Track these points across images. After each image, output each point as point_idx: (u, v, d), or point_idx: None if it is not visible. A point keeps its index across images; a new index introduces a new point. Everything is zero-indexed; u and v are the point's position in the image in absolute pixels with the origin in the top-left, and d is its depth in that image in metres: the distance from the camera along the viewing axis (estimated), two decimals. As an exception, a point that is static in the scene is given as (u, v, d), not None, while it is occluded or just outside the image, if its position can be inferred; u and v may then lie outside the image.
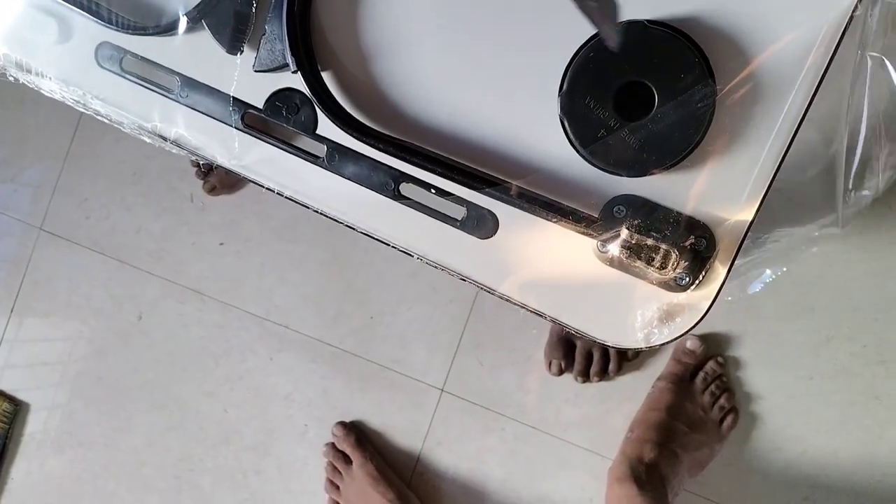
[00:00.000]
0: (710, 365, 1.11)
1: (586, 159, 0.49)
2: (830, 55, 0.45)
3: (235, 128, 0.55)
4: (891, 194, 0.79)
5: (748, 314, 1.11)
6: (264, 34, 0.52)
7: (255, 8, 0.52)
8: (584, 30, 0.48)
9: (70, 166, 1.34)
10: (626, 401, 1.15)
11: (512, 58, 0.51)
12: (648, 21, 0.46)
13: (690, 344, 1.11)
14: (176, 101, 0.56)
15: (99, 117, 0.59)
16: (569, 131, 0.48)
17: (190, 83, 0.56)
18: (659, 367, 1.14)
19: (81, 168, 1.34)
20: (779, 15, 0.46)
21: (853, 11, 0.44)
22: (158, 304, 1.33)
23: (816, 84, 0.45)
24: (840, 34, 0.44)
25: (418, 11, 0.52)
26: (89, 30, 0.58)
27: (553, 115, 0.49)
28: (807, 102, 0.46)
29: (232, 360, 1.31)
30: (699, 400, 1.09)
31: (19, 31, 0.59)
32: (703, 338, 1.12)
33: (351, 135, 0.51)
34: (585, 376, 1.15)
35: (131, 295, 1.34)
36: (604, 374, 1.15)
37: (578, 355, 1.15)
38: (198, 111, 0.56)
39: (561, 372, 1.16)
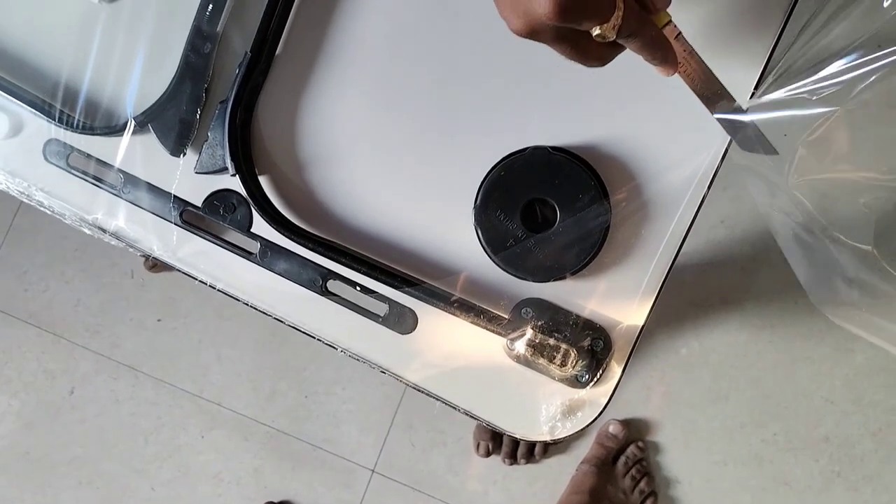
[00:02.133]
0: (632, 449, 1.15)
1: (498, 265, 0.54)
2: (707, 184, 0.51)
3: (174, 223, 0.59)
4: (796, 292, 0.86)
5: (667, 400, 1.17)
6: (207, 140, 0.57)
7: (200, 116, 0.57)
8: (496, 151, 0.53)
9: (11, 238, 1.35)
10: (552, 483, 1.19)
11: (434, 172, 0.56)
12: (552, 147, 0.52)
13: (613, 428, 1.15)
14: (118, 196, 0.60)
15: (41, 208, 0.62)
16: (482, 240, 0.53)
17: (133, 180, 0.60)
18: (583, 449, 1.18)
19: (23, 241, 1.34)
20: (665, 150, 0.52)
21: (723, 156, 0.50)
22: (91, 379, 1.33)
23: (696, 207, 0.51)
24: (714, 170, 0.51)
25: (351, 127, 0.57)
26: (39, 126, 0.61)
27: (469, 224, 0.54)
28: (689, 223, 0.52)
29: (163, 437, 1.31)
30: (621, 483, 1.13)
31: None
32: (625, 422, 1.17)
33: (283, 234, 0.55)
34: (513, 458, 1.19)
35: (64, 369, 1.33)
36: (530, 457, 1.19)
37: (506, 437, 1.18)
38: (139, 206, 0.60)
39: (489, 454, 1.19)
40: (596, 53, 0.43)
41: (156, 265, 1.29)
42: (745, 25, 0.51)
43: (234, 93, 0.55)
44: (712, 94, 0.47)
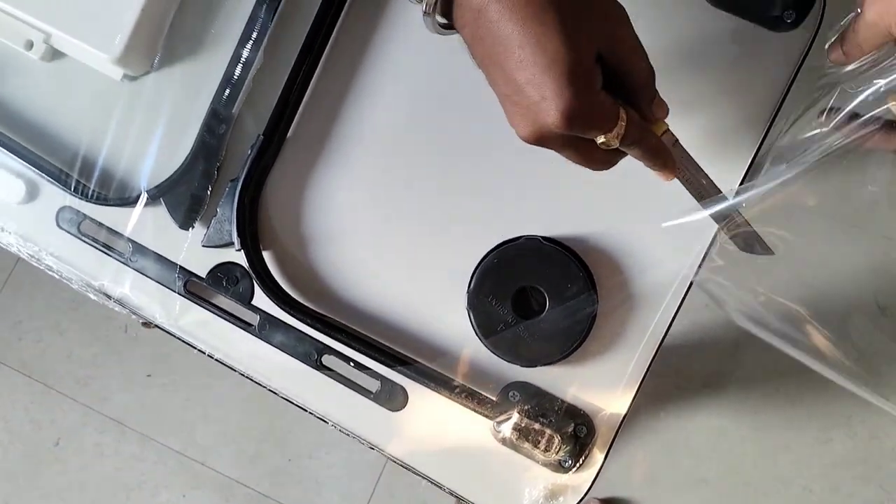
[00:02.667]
0: (612, 528, 1.15)
1: (488, 348, 0.56)
2: (688, 283, 0.54)
3: (178, 293, 0.61)
4: (778, 379, 0.88)
5: (647, 481, 1.18)
6: (216, 215, 0.59)
7: (210, 192, 0.59)
8: (490, 238, 0.56)
9: (9, 289, 1.36)
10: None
11: (431, 256, 0.58)
12: (543, 238, 0.55)
13: (594, 508, 1.16)
14: (125, 264, 0.62)
15: (50, 272, 0.64)
16: (473, 323, 0.56)
17: (141, 250, 0.62)
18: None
19: (21, 291, 1.36)
20: (651, 248, 0.55)
21: (703, 257, 0.53)
22: (78, 431, 1.33)
23: (678, 303, 0.54)
24: (695, 270, 0.53)
25: (354, 209, 0.60)
26: (53, 193, 0.64)
27: (462, 306, 0.56)
28: (671, 318, 0.54)
29: (144, 493, 1.30)
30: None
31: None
32: (606, 501, 1.17)
33: (283, 308, 0.58)
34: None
35: (52, 420, 1.34)
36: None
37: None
38: (145, 275, 0.62)
39: (471, 527, 1.19)
40: (601, 158, 0.46)
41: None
42: (732, 133, 0.54)
43: (245, 172, 0.58)
44: (709, 197, 0.50)
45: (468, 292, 0.56)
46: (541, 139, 0.43)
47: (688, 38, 0.56)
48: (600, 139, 0.43)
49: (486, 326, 0.55)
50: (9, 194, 0.64)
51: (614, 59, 0.43)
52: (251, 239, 0.59)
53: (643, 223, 0.55)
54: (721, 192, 0.50)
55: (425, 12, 0.43)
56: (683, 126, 0.49)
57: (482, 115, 0.57)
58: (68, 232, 0.64)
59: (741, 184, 0.54)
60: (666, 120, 0.47)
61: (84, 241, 0.63)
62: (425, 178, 0.59)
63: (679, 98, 0.48)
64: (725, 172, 0.53)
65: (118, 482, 1.31)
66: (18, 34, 0.63)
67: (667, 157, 0.47)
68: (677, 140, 0.49)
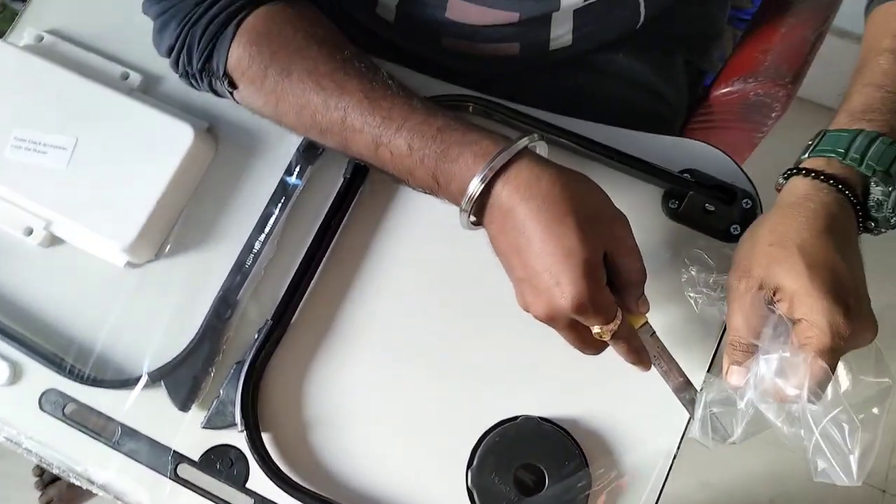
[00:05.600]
0: None
1: (488, 527, 0.58)
2: (673, 457, 0.59)
3: (169, 478, 0.60)
4: None
5: None
6: (218, 396, 0.60)
7: (213, 374, 0.61)
8: (486, 418, 0.60)
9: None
10: None
11: (428, 437, 0.61)
12: (541, 418, 0.59)
13: None
14: (113, 448, 0.61)
15: (28, 455, 0.62)
16: (477, 501, 0.58)
17: (130, 433, 0.61)
18: None
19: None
20: (636, 427, 0.60)
21: (682, 435, 0.59)
22: None
23: (665, 476, 0.59)
24: (677, 446, 0.59)
25: (353, 391, 0.62)
26: (39, 375, 0.63)
27: (458, 484, 0.59)
28: (659, 491, 0.59)
29: None
30: None
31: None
32: None
33: (285, 490, 0.58)
34: None
35: None
36: None
37: None
38: (134, 459, 0.61)
39: None
40: (593, 344, 0.52)
41: (51, 501, 1.21)
42: (696, 328, 0.62)
43: (251, 356, 0.60)
44: (681, 384, 0.56)
45: (470, 470, 0.59)
46: (550, 318, 0.50)
47: (650, 244, 0.64)
48: (595, 329, 0.50)
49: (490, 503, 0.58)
50: (-11, 379, 0.63)
51: (616, 258, 0.51)
52: (253, 420, 0.60)
53: (628, 404, 0.61)
54: (690, 383, 0.56)
55: (463, 209, 0.50)
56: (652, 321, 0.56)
57: (477, 303, 0.63)
58: (51, 415, 0.62)
59: (708, 371, 0.61)
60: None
61: (68, 425, 0.62)
62: (423, 362, 0.63)
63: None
64: (692, 361, 0.60)
65: None
66: (17, 221, 0.65)
67: (644, 354, 0.54)
68: (654, 332, 0.56)
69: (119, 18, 0.72)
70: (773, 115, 0.71)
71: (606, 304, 0.49)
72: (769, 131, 0.73)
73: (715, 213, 0.62)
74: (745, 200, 0.62)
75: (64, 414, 0.62)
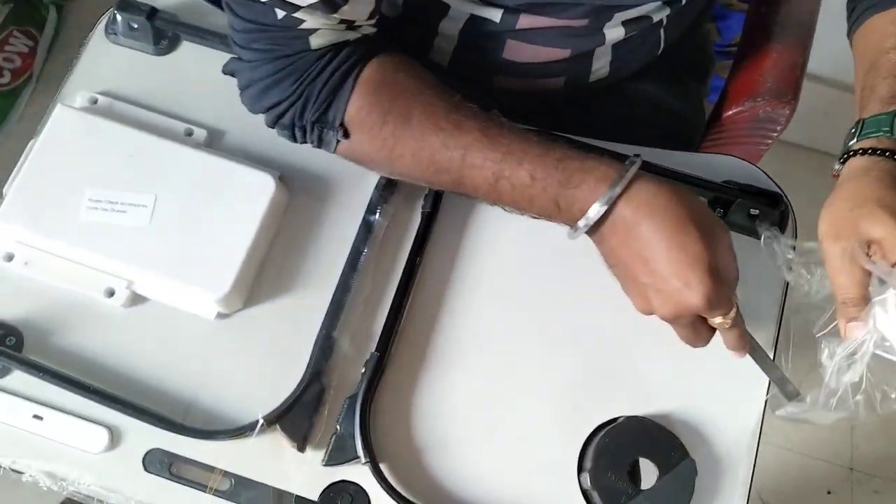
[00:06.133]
0: None
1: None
2: (758, 436, 0.65)
3: (292, 521, 0.61)
4: None
5: None
6: (335, 432, 0.62)
7: (328, 411, 0.62)
8: (585, 424, 0.64)
9: None
10: None
11: (536, 446, 0.64)
12: (641, 416, 0.64)
13: None
14: (228, 499, 0.61)
15: (140, 520, 0.61)
16: (598, 500, 0.61)
17: (243, 482, 0.61)
18: None
19: None
20: (719, 414, 0.66)
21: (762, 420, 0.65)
22: None
23: (754, 455, 0.64)
24: (760, 425, 0.65)
25: (455, 413, 0.65)
26: (138, 436, 0.62)
27: (570, 487, 0.62)
28: (749, 474, 0.64)
29: None
30: None
31: (62, 449, 0.62)
32: None
33: (413, 518, 0.60)
34: None
35: None
36: None
37: None
38: (250, 507, 0.61)
39: None
40: (704, 336, 0.58)
41: None
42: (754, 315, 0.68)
43: (363, 388, 0.62)
44: (771, 365, 0.63)
45: (587, 472, 0.62)
46: (677, 316, 0.56)
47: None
48: (718, 320, 0.56)
49: (612, 501, 0.61)
50: (89, 444, 0.62)
51: (722, 258, 0.56)
52: (371, 453, 0.62)
53: (707, 393, 0.66)
54: (769, 357, 0.63)
55: (579, 228, 0.55)
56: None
57: (557, 316, 0.68)
58: (157, 475, 0.62)
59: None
60: None
61: (176, 482, 0.61)
62: (517, 375, 0.66)
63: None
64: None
65: None
66: (97, 283, 0.65)
67: (746, 340, 0.60)
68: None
69: (168, 77, 0.73)
70: (778, 128, 0.80)
71: (728, 297, 0.55)
72: (772, 144, 0.83)
73: (759, 216, 0.70)
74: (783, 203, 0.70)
75: (171, 472, 0.62)
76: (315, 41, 0.58)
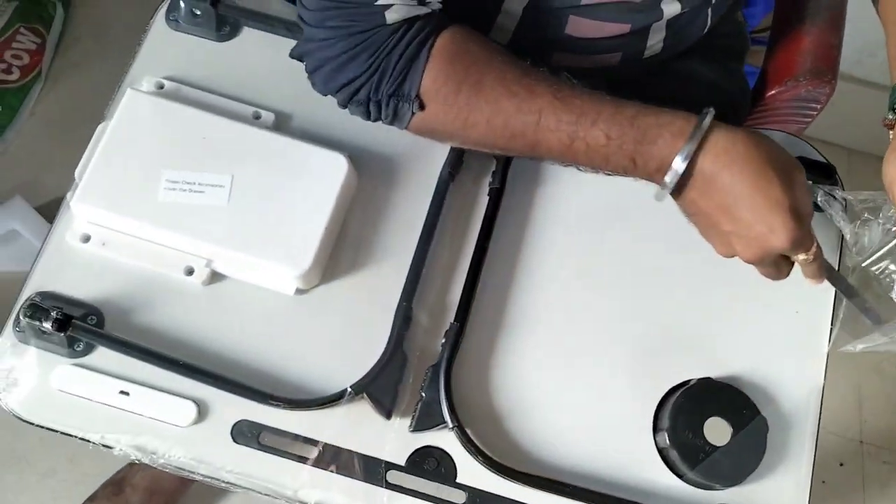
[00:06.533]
0: None
1: (690, 481, 0.64)
2: (821, 392, 0.68)
3: (383, 487, 0.62)
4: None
5: None
6: (420, 399, 0.63)
7: (412, 378, 0.64)
8: (657, 386, 0.67)
9: None
10: None
11: (611, 407, 0.67)
12: (713, 377, 0.67)
13: None
14: (316, 467, 0.62)
15: (232, 488, 0.62)
16: (675, 459, 0.64)
17: (332, 450, 0.63)
18: None
19: None
20: (783, 373, 0.69)
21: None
22: None
23: (819, 406, 0.67)
24: (824, 378, 0.68)
25: (532, 377, 0.67)
26: (225, 409, 0.63)
27: (646, 445, 0.65)
28: (816, 426, 0.67)
29: None
30: None
31: (150, 422, 0.63)
32: None
33: (502, 476, 0.61)
34: None
35: None
36: None
37: None
38: (341, 474, 0.62)
39: None
40: (786, 271, 0.61)
41: None
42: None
43: (446, 356, 0.64)
44: (849, 286, 0.65)
45: (665, 431, 0.64)
46: (761, 258, 0.58)
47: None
48: (802, 256, 0.59)
49: (691, 458, 0.63)
50: (178, 418, 0.63)
51: (800, 196, 0.59)
52: (457, 417, 0.63)
53: (769, 353, 0.69)
54: (852, 286, 0.66)
55: (666, 185, 0.57)
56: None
57: (628, 279, 0.70)
58: (246, 445, 0.63)
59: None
60: None
61: (265, 452, 0.63)
62: (590, 339, 0.68)
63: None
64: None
65: None
66: (176, 262, 0.66)
67: (824, 268, 0.63)
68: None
69: (231, 62, 0.74)
70: (819, 107, 0.83)
71: (809, 234, 0.58)
72: (812, 121, 0.86)
73: (814, 185, 0.72)
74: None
75: (259, 442, 0.63)
76: (390, 16, 0.59)
